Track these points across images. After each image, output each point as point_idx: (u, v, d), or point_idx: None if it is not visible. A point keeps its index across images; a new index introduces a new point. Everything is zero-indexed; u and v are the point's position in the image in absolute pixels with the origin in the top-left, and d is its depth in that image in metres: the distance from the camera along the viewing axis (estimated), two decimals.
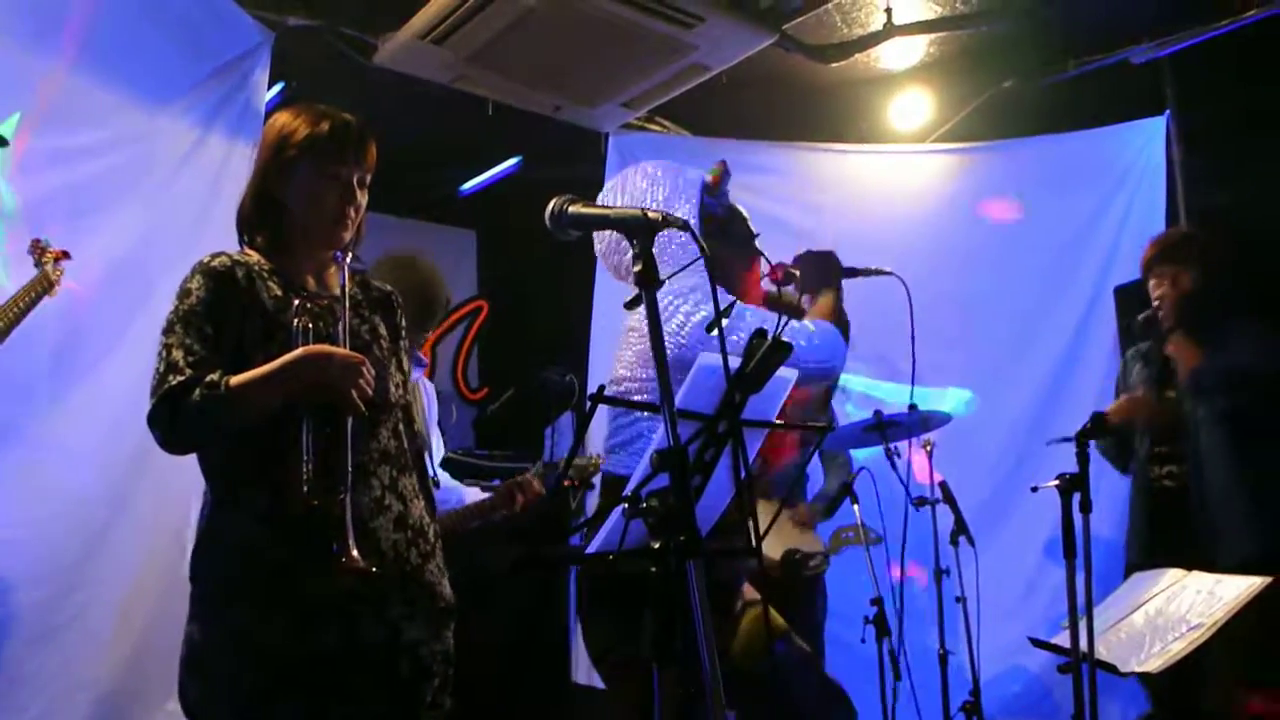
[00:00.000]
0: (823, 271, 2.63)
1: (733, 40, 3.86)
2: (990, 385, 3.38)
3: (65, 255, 2.82)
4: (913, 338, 2.90)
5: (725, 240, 2.47)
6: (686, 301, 2.31)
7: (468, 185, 5.51)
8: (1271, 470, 3.03)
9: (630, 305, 1.56)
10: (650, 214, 1.50)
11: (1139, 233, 4.12)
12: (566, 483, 3.54)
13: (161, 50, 3.41)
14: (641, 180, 2.54)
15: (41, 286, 2.64)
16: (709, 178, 2.55)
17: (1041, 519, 3.43)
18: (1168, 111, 4.15)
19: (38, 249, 2.76)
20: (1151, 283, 3.30)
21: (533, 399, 4.95)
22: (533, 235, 1.66)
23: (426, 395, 3.24)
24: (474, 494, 3.22)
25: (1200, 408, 3.08)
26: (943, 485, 3.51)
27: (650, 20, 3.69)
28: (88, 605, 3.17)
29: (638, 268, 1.48)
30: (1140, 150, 4.22)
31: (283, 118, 2.01)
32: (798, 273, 2.62)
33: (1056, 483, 2.63)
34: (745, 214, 2.61)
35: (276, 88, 4.05)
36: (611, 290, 4.60)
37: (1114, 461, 3.44)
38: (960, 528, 3.47)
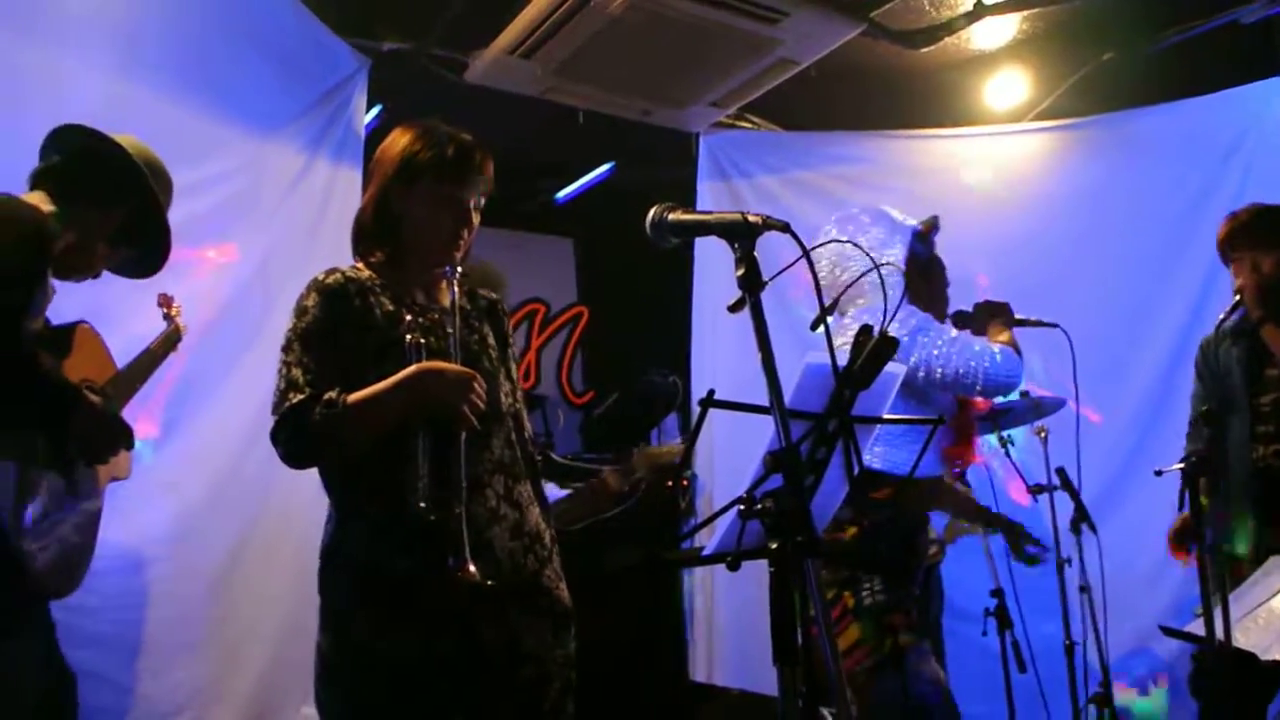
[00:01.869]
0: (995, 315, 3.01)
1: (820, 32, 3.83)
2: (1103, 369, 3.28)
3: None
4: (1076, 395, 3.17)
5: (926, 281, 2.94)
6: (926, 335, 2.76)
7: (562, 194, 5.59)
8: None
9: (733, 308, 1.57)
10: (750, 217, 1.51)
11: (1260, 199, 3.95)
12: (669, 483, 3.55)
13: (267, 83, 3.56)
14: (865, 219, 2.95)
15: (174, 339, 2.75)
16: (921, 227, 2.95)
17: (1168, 503, 3.31)
18: None
19: (166, 303, 2.86)
20: (1231, 269, 3.08)
21: (638, 401, 5.00)
22: (629, 239, 1.68)
23: None
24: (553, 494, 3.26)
25: None
26: (1060, 472, 3.41)
27: (735, 18, 3.68)
28: (223, 620, 3.32)
29: (740, 272, 1.49)
30: (1255, 115, 4.03)
31: (405, 138, 2.06)
32: (972, 315, 3.03)
33: (1181, 465, 2.54)
34: (943, 263, 3.05)
35: (374, 110, 4.18)
36: (710, 291, 4.62)
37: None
38: (1081, 515, 3.37)
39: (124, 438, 2.13)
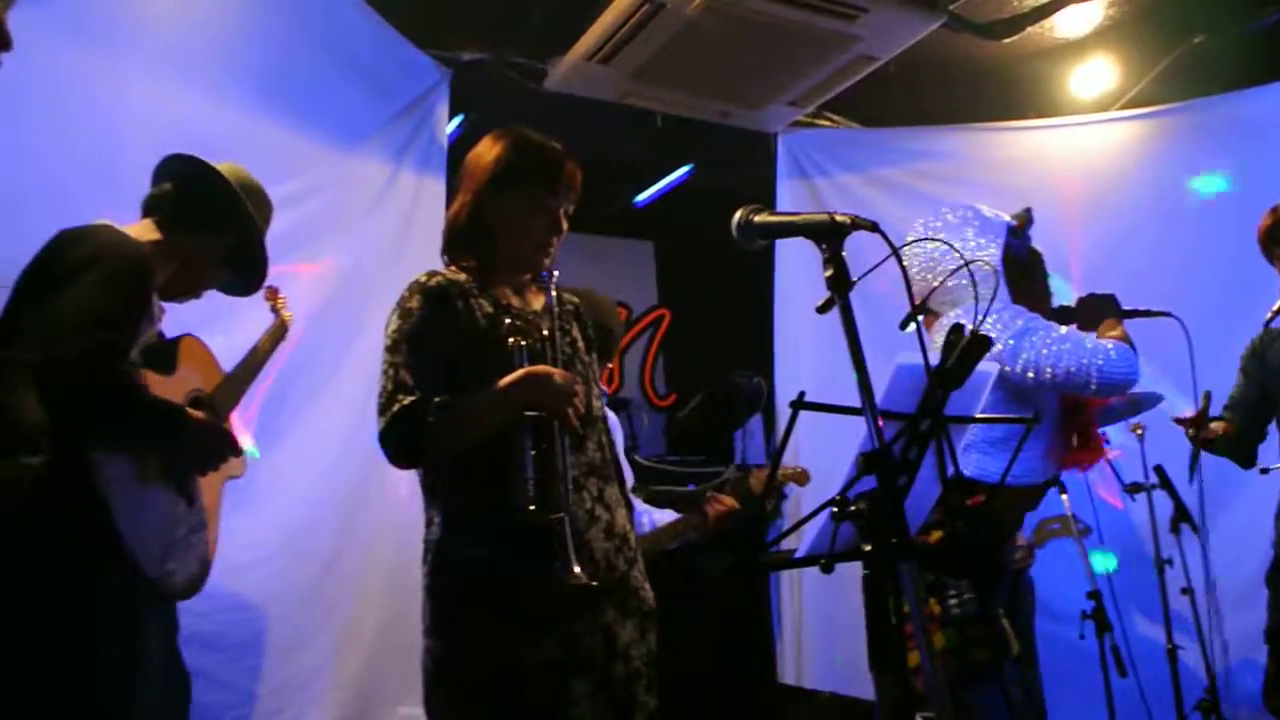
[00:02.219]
0: (1103, 308, 2.86)
1: (898, 27, 3.78)
2: (1204, 364, 3.16)
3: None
4: (1194, 384, 3.02)
5: (1026, 277, 2.83)
6: (1035, 335, 2.64)
7: (642, 197, 5.61)
8: None
9: (822, 309, 1.56)
10: (838, 218, 1.50)
11: None
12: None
13: (353, 97, 3.65)
14: (952, 217, 2.85)
15: (281, 332, 2.83)
16: (1014, 221, 2.85)
17: (1272, 502, 3.19)
18: None
19: (272, 296, 2.93)
20: (1276, 265, 2.97)
21: (721, 403, 4.98)
22: (708, 241, 1.69)
23: (611, 425, 3.34)
24: (665, 515, 3.27)
25: None
26: (1159, 470, 3.31)
27: (812, 16, 3.65)
28: (322, 622, 3.40)
29: (828, 272, 1.48)
30: None
31: (497, 147, 2.10)
32: (1076, 310, 2.89)
33: None
34: (1042, 256, 2.94)
35: (456, 120, 4.25)
36: (793, 292, 4.59)
37: (1236, 458, 3.18)
38: (1181, 514, 3.27)
39: (229, 448, 2.21)
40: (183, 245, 2.26)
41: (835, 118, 4.74)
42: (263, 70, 3.32)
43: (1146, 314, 2.96)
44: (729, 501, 3.15)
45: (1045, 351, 2.61)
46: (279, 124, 3.36)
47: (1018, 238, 2.85)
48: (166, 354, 2.27)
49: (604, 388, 3.32)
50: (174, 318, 2.39)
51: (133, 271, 2.04)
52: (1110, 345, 2.65)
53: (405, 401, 1.88)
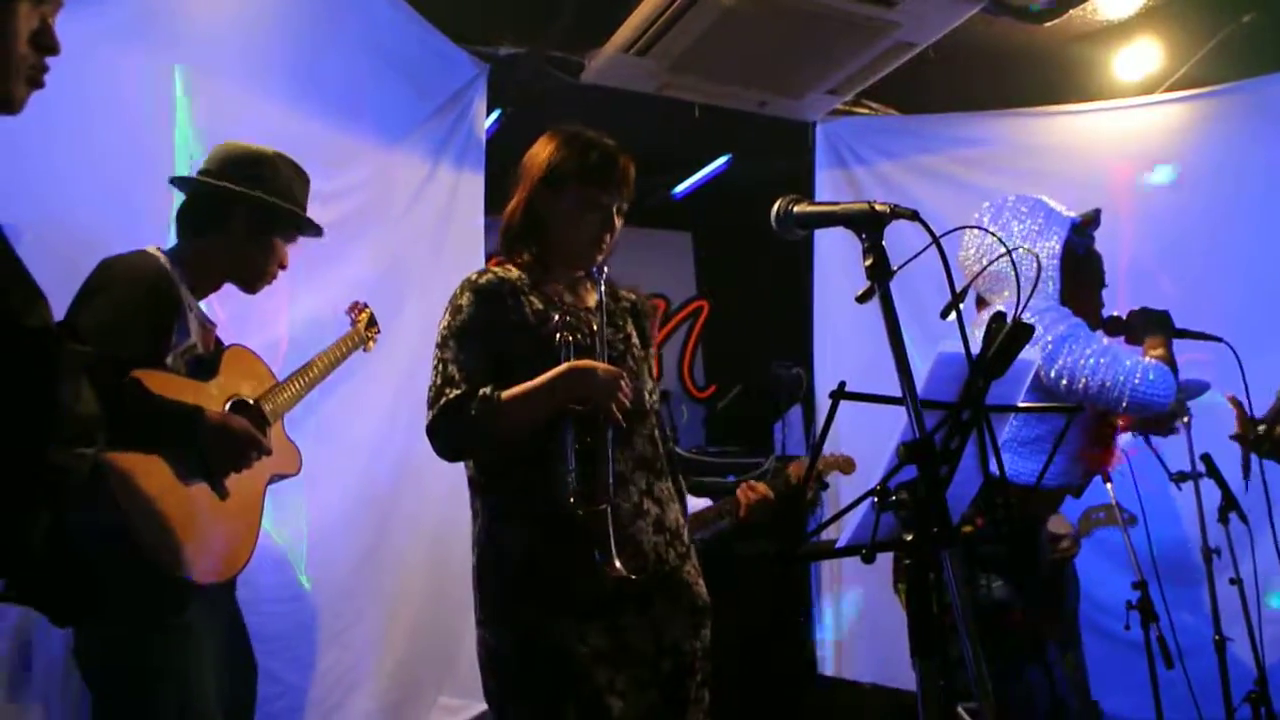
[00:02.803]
0: (1155, 326, 2.82)
1: (937, 12, 3.74)
2: (1254, 351, 3.11)
3: (373, 321, 3.08)
4: (1249, 403, 2.98)
5: (1079, 276, 2.79)
6: (1076, 342, 2.60)
7: (680, 188, 5.60)
8: None
9: (862, 299, 1.55)
10: (878, 207, 1.49)
11: None
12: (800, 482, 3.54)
13: (392, 93, 3.68)
14: (1021, 208, 2.83)
15: (353, 342, 2.90)
16: (1080, 219, 2.81)
17: None
18: None
19: (356, 309, 3.06)
20: None
21: (760, 394, 4.97)
22: (747, 231, 1.70)
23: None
24: (699, 503, 3.28)
25: None
26: (1206, 458, 3.26)
27: (850, 3, 3.63)
28: (363, 610, 3.45)
29: (869, 262, 1.48)
30: None
31: (552, 144, 2.14)
32: (1126, 322, 2.88)
33: None
34: (1101, 259, 2.90)
35: (494, 115, 4.27)
36: (831, 282, 4.57)
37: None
38: (1230, 503, 3.21)
39: (254, 448, 2.26)
40: (205, 249, 2.42)
41: (874, 105, 4.70)
42: (301, 69, 3.36)
43: (1198, 336, 2.93)
44: (761, 489, 3.15)
45: (1083, 362, 2.58)
46: (319, 122, 3.39)
47: (1081, 235, 2.81)
48: (209, 362, 2.39)
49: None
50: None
51: (142, 289, 2.21)
52: (1151, 365, 2.61)
53: (452, 395, 1.92)
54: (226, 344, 2.50)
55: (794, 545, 2.58)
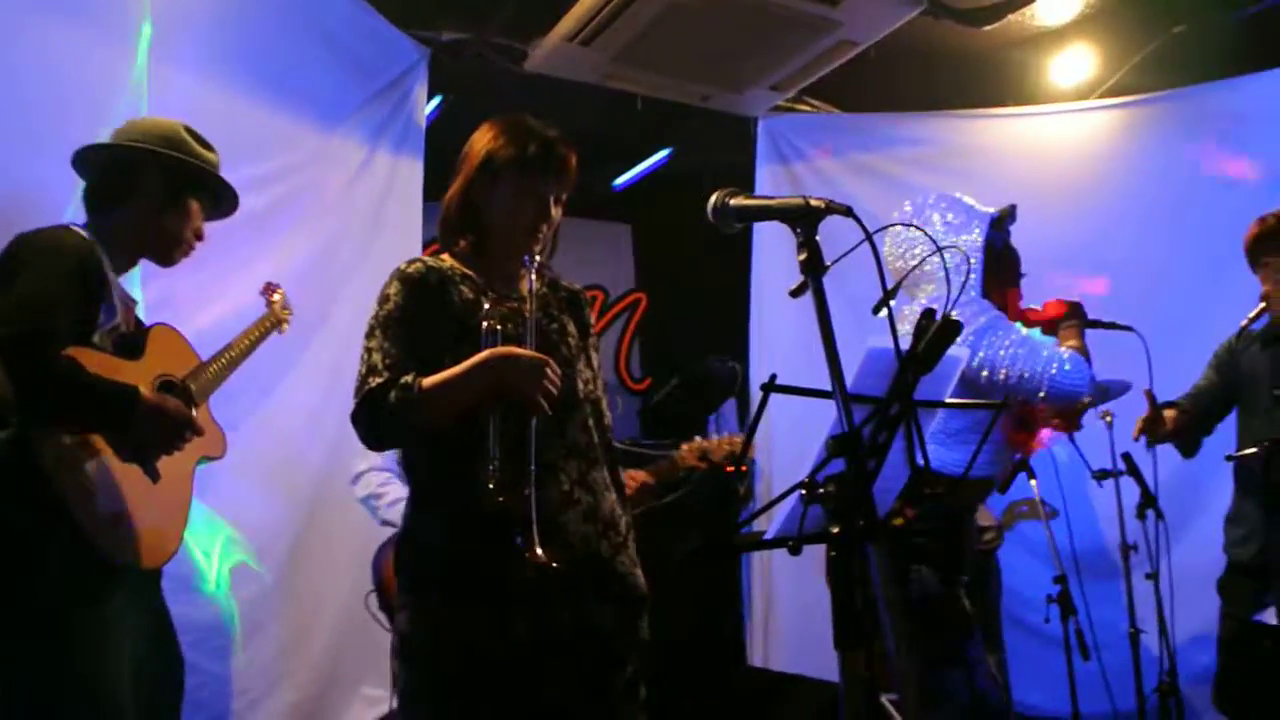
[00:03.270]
0: (1068, 315, 2.89)
1: (880, 13, 3.79)
2: (1173, 353, 3.20)
3: (286, 303, 3.01)
4: (1152, 395, 3.09)
5: (998, 270, 2.86)
6: (996, 334, 2.68)
7: (621, 179, 5.60)
8: None
9: (795, 293, 1.57)
10: (813, 202, 1.51)
11: None
12: (729, 469, 3.55)
13: (330, 76, 3.62)
14: (941, 205, 2.91)
15: (269, 323, 2.84)
16: (998, 214, 2.88)
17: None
18: None
19: (269, 290, 2.99)
20: (1259, 274, 3.01)
21: (696, 387, 4.99)
22: (686, 225, 1.71)
23: None
24: None
25: None
26: (1126, 457, 3.35)
27: (793, 1, 3.66)
28: (288, 601, 3.41)
29: (802, 256, 1.49)
30: None
31: (490, 134, 2.11)
32: (1042, 312, 2.93)
33: (1255, 450, 2.49)
34: (1018, 253, 2.99)
35: (435, 101, 4.22)
36: (769, 276, 4.61)
37: (1181, 446, 3.26)
38: (1148, 501, 3.31)
39: (187, 429, 2.23)
40: (120, 221, 2.34)
41: (815, 103, 4.75)
42: (239, 48, 3.28)
43: (1109, 326, 3.02)
44: (640, 477, 3.15)
45: (1003, 353, 2.65)
46: (259, 102, 3.33)
47: (998, 230, 2.88)
48: (135, 341, 2.33)
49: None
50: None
51: (70, 263, 2.15)
52: (1066, 355, 2.68)
53: (374, 384, 1.90)
54: (149, 323, 2.44)
55: (723, 537, 2.59)
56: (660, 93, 4.33)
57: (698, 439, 3.22)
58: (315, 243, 3.56)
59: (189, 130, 2.45)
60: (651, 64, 4.07)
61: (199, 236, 2.46)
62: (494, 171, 2.07)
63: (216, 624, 3.22)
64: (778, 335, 4.52)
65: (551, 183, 2.09)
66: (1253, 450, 2.56)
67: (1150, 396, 3.11)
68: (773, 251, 4.55)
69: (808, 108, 4.74)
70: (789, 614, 4.43)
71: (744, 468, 4.22)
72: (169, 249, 2.42)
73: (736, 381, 4.68)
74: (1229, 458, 2.94)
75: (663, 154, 5.32)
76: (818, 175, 4.61)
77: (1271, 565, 2.49)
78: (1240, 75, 4.10)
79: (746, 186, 4.55)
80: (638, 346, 5.99)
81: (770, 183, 4.65)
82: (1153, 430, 3.12)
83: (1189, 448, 3.30)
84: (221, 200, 2.53)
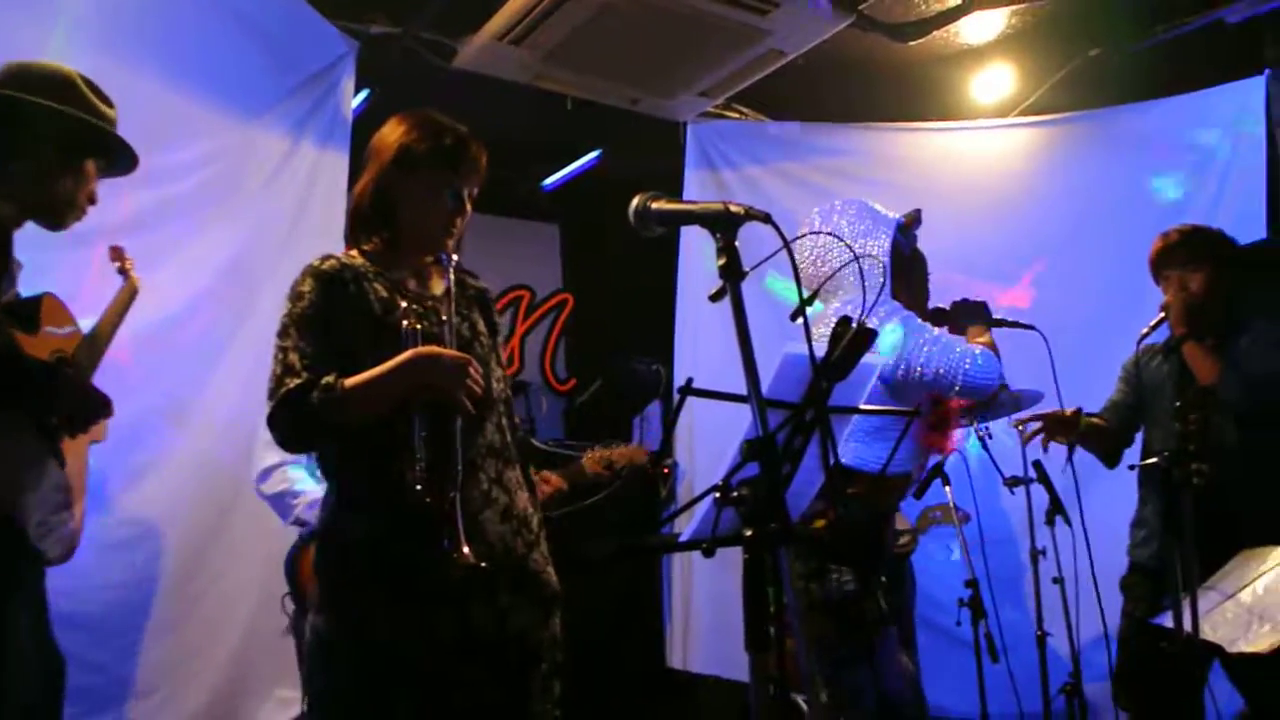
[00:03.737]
0: (974, 315, 3.01)
1: (809, 23, 3.84)
2: (1083, 364, 3.31)
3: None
4: (1058, 395, 3.17)
5: (908, 275, 2.95)
6: (909, 334, 2.75)
7: (550, 180, 5.59)
8: None
9: (714, 297, 1.58)
10: (732, 208, 1.53)
11: (1240, 198, 3.98)
12: (653, 469, 3.58)
13: (252, 64, 3.55)
14: (849, 212, 2.96)
15: (130, 295, 2.73)
16: (903, 220, 2.96)
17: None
18: (1267, 71, 3.99)
19: (119, 256, 2.83)
20: (1161, 287, 3.12)
21: (621, 389, 5.00)
22: (615, 227, 1.71)
23: None
24: None
25: (1225, 420, 2.91)
26: (1037, 465, 3.45)
27: (725, 8, 3.69)
28: (198, 602, 3.34)
29: (721, 261, 1.51)
30: (1238, 113, 4.06)
31: (402, 126, 2.09)
32: (950, 313, 3.03)
33: (1156, 460, 2.58)
34: (925, 257, 3.07)
35: (362, 95, 4.16)
36: (695, 280, 4.64)
37: (1103, 455, 3.37)
38: (1056, 507, 3.40)
39: (104, 408, 2.16)
40: (9, 180, 2.17)
41: (745, 110, 4.79)
42: (158, 30, 3.21)
43: (1013, 324, 3.14)
44: (556, 481, 3.17)
45: (918, 352, 2.74)
46: (173, 87, 3.26)
47: (904, 236, 2.96)
48: (29, 312, 2.22)
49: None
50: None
51: None
52: (978, 351, 2.79)
53: (292, 385, 1.86)
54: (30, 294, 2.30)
55: (636, 539, 2.61)
56: (590, 95, 4.33)
57: (598, 448, 3.26)
58: (235, 236, 3.49)
59: (86, 81, 2.29)
60: (582, 65, 4.07)
61: (92, 200, 2.31)
62: (409, 166, 2.04)
63: (121, 622, 3.14)
64: (703, 338, 4.56)
65: (466, 178, 2.08)
66: (1153, 460, 2.65)
67: (1079, 413, 3.22)
68: (699, 255, 4.58)
69: (737, 115, 4.79)
70: (708, 616, 4.46)
71: (666, 470, 4.24)
72: (60, 213, 2.26)
73: (661, 384, 4.70)
74: (1132, 467, 3.04)
75: (592, 155, 5.33)
76: (746, 182, 4.66)
77: (1168, 568, 2.59)
78: (1151, 99, 4.25)
79: (676, 190, 4.59)
80: (564, 347, 5.98)
81: (698, 188, 4.68)
82: (1066, 430, 3.20)
83: (1111, 459, 3.39)
84: (119, 160, 2.37)
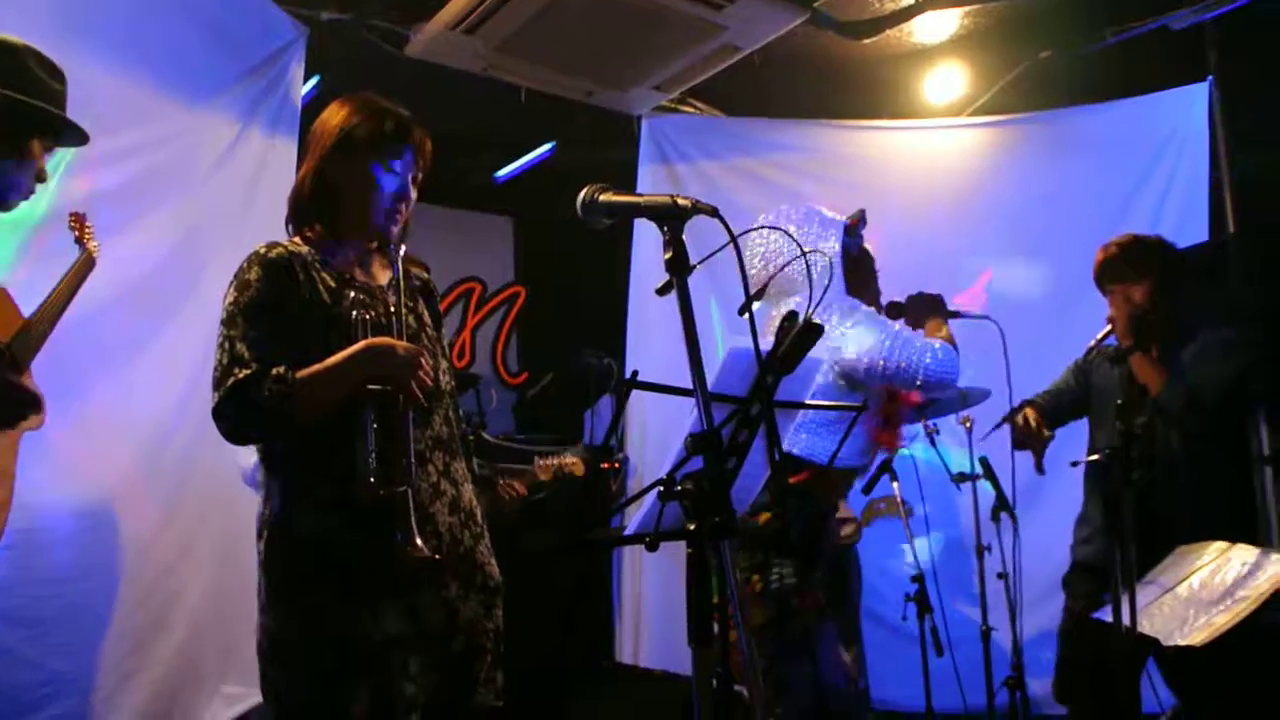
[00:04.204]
0: (931, 309, 3.05)
1: (763, 19, 3.84)
2: (1029, 362, 3.36)
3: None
4: (1009, 387, 3.22)
5: (857, 272, 2.96)
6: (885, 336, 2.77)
7: (503, 172, 5.55)
8: (1230, 478, 3.03)
9: (661, 291, 1.58)
10: (680, 201, 1.52)
11: (1183, 201, 4.07)
12: (605, 465, 3.59)
13: (200, 48, 3.47)
14: (796, 216, 2.97)
15: (86, 265, 2.66)
16: (849, 221, 2.98)
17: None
18: (1210, 77, 4.07)
19: (78, 224, 2.75)
20: (1107, 299, 3.16)
21: (572, 383, 4.99)
22: (568, 220, 1.69)
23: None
24: None
25: (1169, 428, 2.97)
26: (983, 461, 3.49)
27: (680, 3, 3.69)
28: (141, 597, 3.27)
29: (668, 255, 1.50)
30: (1181, 118, 4.15)
31: (344, 111, 2.05)
32: (906, 306, 3.07)
33: (1097, 457, 2.62)
34: (873, 255, 3.09)
35: (312, 81, 4.10)
36: (647, 275, 4.63)
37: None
38: (1001, 504, 3.45)
39: (29, 406, 2.09)
40: None
41: (699, 105, 4.79)
42: (99, 11, 3.14)
43: (969, 316, 3.20)
44: (520, 489, 3.19)
45: (878, 346, 2.76)
46: (118, 71, 3.18)
47: (851, 236, 2.98)
48: None
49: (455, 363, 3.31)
50: None
51: None
52: (937, 345, 2.82)
53: (241, 375, 1.82)
54: None
55: (579, 534, 2.61)
56: (543, 86, 4.30)
57: (552, 458, 3.30)
58: (181, 223, 3.42)
59: (33, 54, 2.20)
60: (534, 57, 4.05)
61: (41, 178, 2.23)
62: (351, 150, 2.00)
63: (61, 617, 3.06)
64: (655, 332, 4.55)
65: (408, 163, 2.05)
66: (1095, 457, 2.69)
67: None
68: (652, 248, 4.57)
69: (691, 109, 4.79)
70: (658, 611, 4.46)
71: (615, 465, 4.24)
72: (3, 195, 2.18)
73: (612, 378, 4.70)
74: (1074, 463, 3.08)
75: (546, 148, 5.29)
76: (699, 177, 4.66)
77: (1108, 565, 2.63)
78: (1099, 102, 4.31)
79: (629, 184, 4.58)
80: (515, 340, 5.96)
81: (652, 182, 4.67)
82: (1038, 439, 3.25)
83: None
84: (67, 137, 2.28)
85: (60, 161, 2.98)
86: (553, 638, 4.19)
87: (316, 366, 1.84)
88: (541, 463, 3.31)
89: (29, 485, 2.68)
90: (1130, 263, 3.11)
